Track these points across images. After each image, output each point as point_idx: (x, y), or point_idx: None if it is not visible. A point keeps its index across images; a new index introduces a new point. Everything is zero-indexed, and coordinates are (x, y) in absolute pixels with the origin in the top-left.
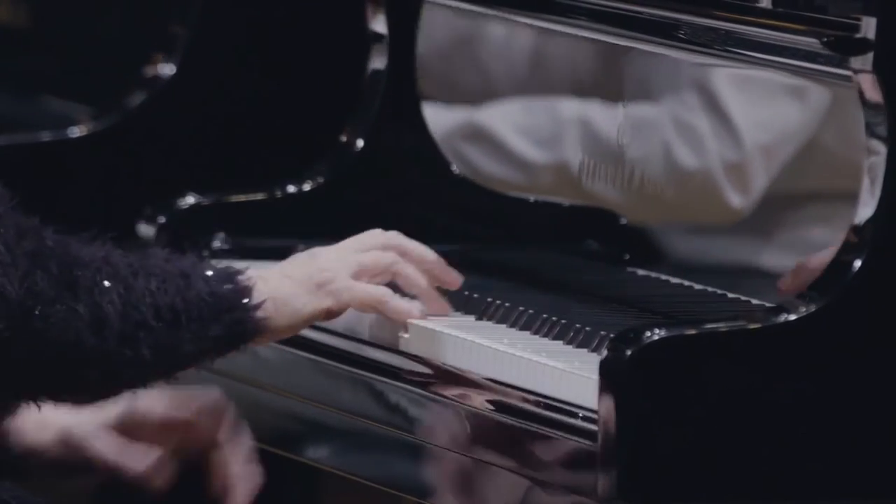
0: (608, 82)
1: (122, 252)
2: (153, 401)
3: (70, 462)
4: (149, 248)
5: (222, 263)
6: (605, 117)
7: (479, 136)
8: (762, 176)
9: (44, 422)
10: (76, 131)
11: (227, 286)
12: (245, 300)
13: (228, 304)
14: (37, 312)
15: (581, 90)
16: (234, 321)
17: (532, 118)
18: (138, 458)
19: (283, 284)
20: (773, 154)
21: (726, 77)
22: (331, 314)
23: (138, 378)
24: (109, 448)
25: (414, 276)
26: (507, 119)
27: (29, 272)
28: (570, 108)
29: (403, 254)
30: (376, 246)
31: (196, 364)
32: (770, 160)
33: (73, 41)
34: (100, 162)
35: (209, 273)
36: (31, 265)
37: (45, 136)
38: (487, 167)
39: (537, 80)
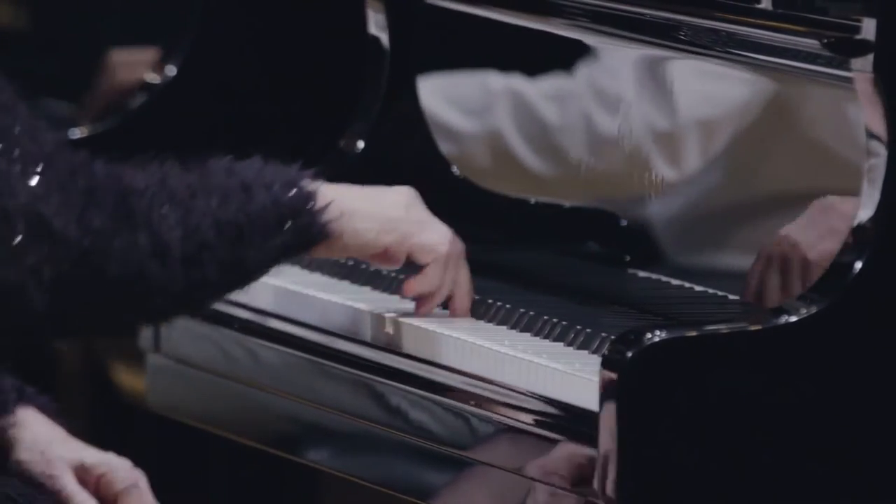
0: (534, 55)
1: (179, 171)
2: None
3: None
4: (209, 160)
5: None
6: (534, 88)
7: None
8: (696, 150)
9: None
10: (76, 133)
11: (291, 192)
12: (310, 205)
13: (293, 210)
14: (96, 249)
15: (509, 62)
16: (299, 228)
17: (460, 90)
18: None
19: (357, 201)
20: (710, 130)
21: (678, 69)
22: (387, 253)
23: (206, 297)
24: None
25: (463, 279)
26: (435, 92)
27: (84, 210)
28: (498, 80)
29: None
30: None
31: (262, 274)
32: (706, 136)
33: (74, 43)
34: None
35: (272, 180)
36: (85, 203)
37: None
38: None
39: (465, 55)
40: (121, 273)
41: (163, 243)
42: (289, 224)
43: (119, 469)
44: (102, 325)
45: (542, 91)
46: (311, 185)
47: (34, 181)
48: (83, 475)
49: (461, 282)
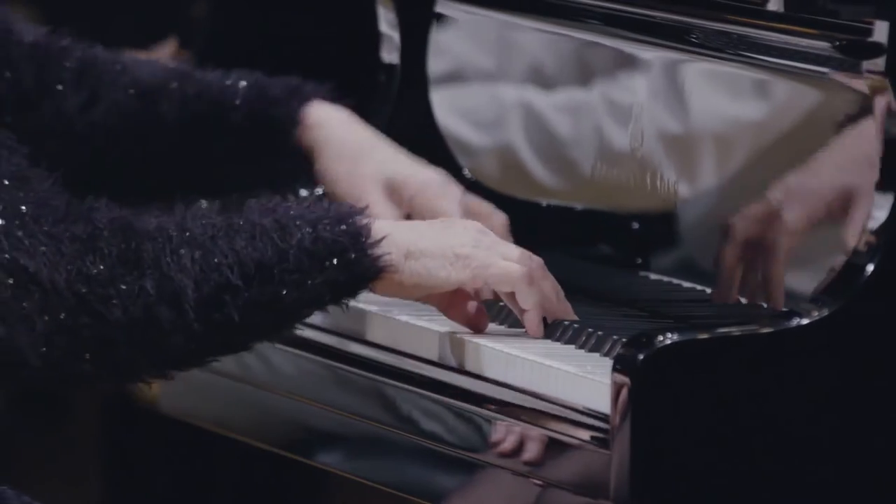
0: (549, 66)
1: (206, 213)
2: None
3: None
4: (249, 202)
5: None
6: (544, 90)
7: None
8: (707, 153)
9: None
10: None
11: (340, 227)
12: (361, 240)
13: (340, 246)
14: (95, 297)
15: (522, 74)
16: (346, 263)
17: (472, 102)
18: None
19: (422, 239)
20: (721, 133)
21: (689, 71)
22: (463, 291)
23: (239, 338)
24: None
25: (550, 290)
26: (445, 103)
27: (79, 258)
28: (511, 92)
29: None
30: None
31: (312, 312)
32: (717, 139)
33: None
34: None
35: (318, 217)
36: (80, 250)
37: None
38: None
39: (480, 66)
40: (125, 319)
41: (174, 287)
42: (333, 261)
43: (431, 184)
44: (114, 371)
45: (552, 94)
46: (363, 219)
47: (20, 233)
48: (392, 192)
49: (547, 295)
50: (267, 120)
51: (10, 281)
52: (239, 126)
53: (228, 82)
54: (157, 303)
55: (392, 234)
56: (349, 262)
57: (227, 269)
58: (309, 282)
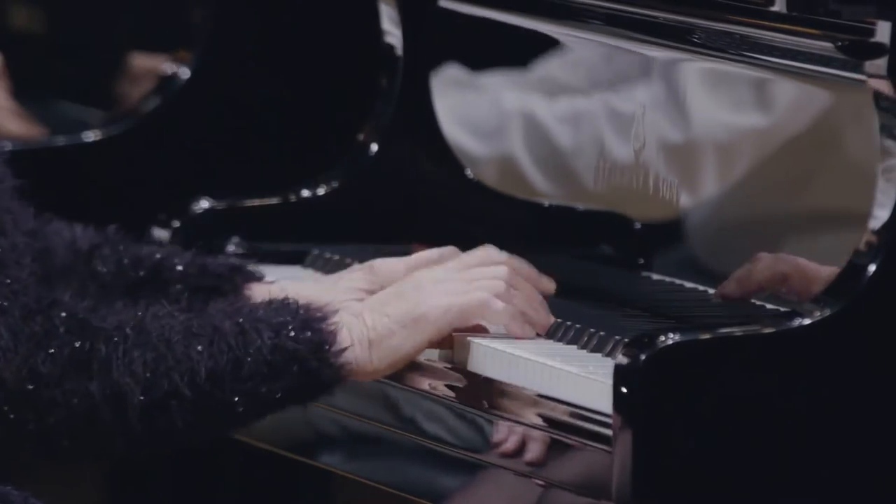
0: (549, 74)
1: (169, 313)
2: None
3: None
4: (214, 302)
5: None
6: (548, 110)
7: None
8: (709, 154)
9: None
10: (90, 136)
11: (304, 334)
12: (326, 347)
13: (300, 355)
14: (38, 394)
15: (523, 82)
16: (307, 372)
17: (473, 110)
18: None
19: (379, 323)
20: (723, 134)
21: (691, 71)
22: (434, 343)
23: (175, 442)
24: None
25: (523, 302)
26: (447, 112)
27: (31, 355)
28: (512, 100)
29: (515, 272)
30: (487, 259)
31: (266, 416)
32: (719, 140)
33: (88, 46)
34: (114, 166)
35: (283, 322)
36: (35, 348)
37: (60, 141)
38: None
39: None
40: (67, 418)
41: (119, 391)
42: (293, 369)
43: (376, 269)
44: (54, 459)
45: (554, 92)
46: (330, 326)
47: None
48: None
49: (521, 309)
50: (209, 291)
51: None
52: (178, 294)
53: (163, 255)
54: (100, 405)
55: (353, 332)
56: (310, 371)
57: (177, 376)
58: (263, 390)
